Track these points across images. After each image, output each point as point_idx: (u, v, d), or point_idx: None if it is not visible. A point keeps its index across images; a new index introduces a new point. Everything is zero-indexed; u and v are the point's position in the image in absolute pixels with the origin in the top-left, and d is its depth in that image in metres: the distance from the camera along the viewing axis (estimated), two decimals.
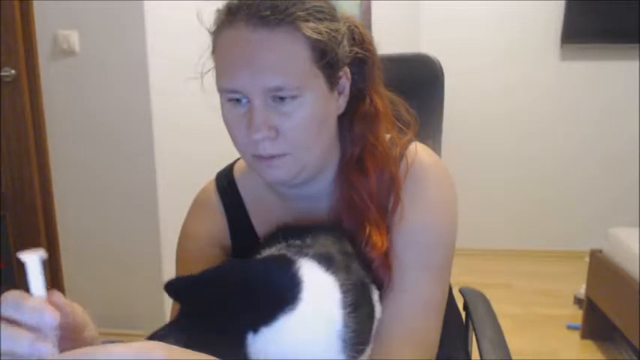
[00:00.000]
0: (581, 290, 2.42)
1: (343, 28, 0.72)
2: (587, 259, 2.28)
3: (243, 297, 0.50)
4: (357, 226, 0.73)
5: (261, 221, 0.83)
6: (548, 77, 3.15)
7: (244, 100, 0.67)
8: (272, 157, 0.69)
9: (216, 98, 0.72)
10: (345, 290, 0.54)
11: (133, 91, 2.11)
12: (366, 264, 0.70)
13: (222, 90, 0.69)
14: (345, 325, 0.52)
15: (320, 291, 0.53)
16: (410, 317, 0.70)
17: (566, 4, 2.99)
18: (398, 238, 0.73)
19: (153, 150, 2.13)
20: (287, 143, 0.68)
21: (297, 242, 0.61)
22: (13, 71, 2.09)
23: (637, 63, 3.02)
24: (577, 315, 2.39)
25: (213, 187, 0.87)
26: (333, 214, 0.76)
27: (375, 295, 0.65)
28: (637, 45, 2.98)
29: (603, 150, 3.18)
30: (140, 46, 2.06)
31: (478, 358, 0.89)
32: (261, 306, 0.49)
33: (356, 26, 0.77)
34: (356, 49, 0.75)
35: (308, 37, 0.66)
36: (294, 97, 0.66)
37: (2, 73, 2.09)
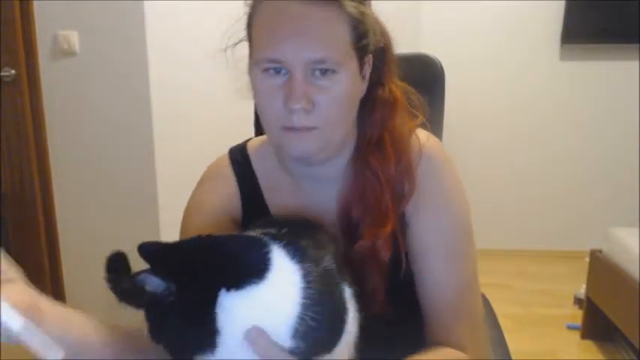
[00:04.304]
0: (581, 290, 2.42)
1: (373, 16, 0.75)
2: (587, 259, 2.27)
3: (218, 262, 0.55)
4: (365, 209, 0.75)
5: (273, 197, 0.84)
6: (548, 77, 3.15)
7: (283, 71, 0.68)
8: (304, 129, 0.70)
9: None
10: (308, 281, 0.55)
11: (133, 91, 2.11)
12: (368, 246, 0.73)
13: (261, 60, 0.69)
14: (302, 315, 0.54)
15: (284, 276, 0.55)
16: (459, 302, 0.76)
17: (566, 4, 2.98)
18: (423, 227, 0.77)
19: (153, 150, 2.13)
20: (320, 117, 0.69)
21: (273, 231, 0.63)
22: (13, 71, 2.09)
23: (637, 63, 3.02)
24: (577, 315, 2.39)
25: (226, 160, 0.88)
26: (342, 197, 0.79)
27: (352, 303, 0.62)
28: (637, 45, 2.97)
29: (603, 150, 3.18)
30: (140, 46, 2.06)
31: None
32: (233, 272, 0.54)
33: (376, 17, 0.79)
34: (379, 37, 0.77)
35: (351, 17, 0.69)
36: (333, 72, 0.68)
37: (2, 73, 2.09)
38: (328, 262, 0.60)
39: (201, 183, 0.88)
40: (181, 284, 0.52)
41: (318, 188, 0.82)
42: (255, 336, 0.53)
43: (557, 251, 3.21)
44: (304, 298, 0.54)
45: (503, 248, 3.20)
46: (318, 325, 0.54)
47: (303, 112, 0.68)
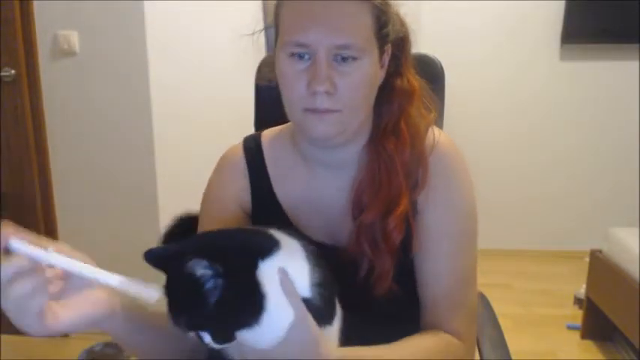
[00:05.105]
0: (581, 290, 2.42)
1: (394, 7, 0.78)
2: (587, 259, 2.28)
3: (251, 239, 0.64)
4: (376, 193, 0.78)
5: (284, 186, 0.86)
6: (548, 77, 3.15)
7: (307, 56, 0.72)
8: (326, 111, 0.73)
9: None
10: (307, 251, 0.66)
11: (133, 91, 2.11)
12: (379, 229, 0.77)
13: (289, 43, 0.72)
14: (311, 271, 0.64)
15: (291, 245, 0.65)
16: (457, 292, 0.79)
17: (566, 4, 2.98)
18: (430, 216, 0.79)
19: (153, 150, 2.13)
20: (341, 101, 0.72)
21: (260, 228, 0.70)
22: (13, 71, 2.09)
23: (637, 63, 3.02)
24: (577, 315, 2.39)
25: (240, 148, 0.90)
26: (356, 182, 0.81)
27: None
28: (637, 45, 2.97)
29: (603, 150, 3.18)
30: (140, 46, 2.06)
31: (478, 357, 0.89)
32: (262, 244, 0.63)
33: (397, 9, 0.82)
34: (398, 28, 0.80)
35: (375, 7, 0.73)
36: (354, 59, 0.71)
37: (2, 73, 2.09)
38: (313, 248, 0.68)
39: (216, 173, 0.90)
40: (227, 263, 0.58)
41: (332, 175, 0.83)
42: (282, 276, 0.59)
43: (557, 251, 3.21)
44: (309, 261, 0.65)
45: (503, 248, 3.19)
46: (322, 282, 0.64)
47: (326, 95, 0.71)
